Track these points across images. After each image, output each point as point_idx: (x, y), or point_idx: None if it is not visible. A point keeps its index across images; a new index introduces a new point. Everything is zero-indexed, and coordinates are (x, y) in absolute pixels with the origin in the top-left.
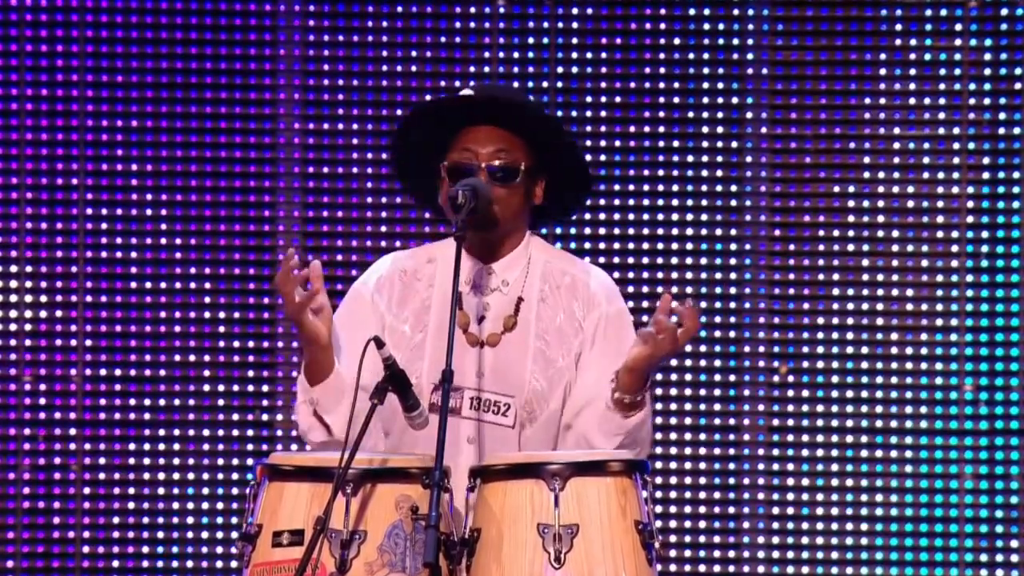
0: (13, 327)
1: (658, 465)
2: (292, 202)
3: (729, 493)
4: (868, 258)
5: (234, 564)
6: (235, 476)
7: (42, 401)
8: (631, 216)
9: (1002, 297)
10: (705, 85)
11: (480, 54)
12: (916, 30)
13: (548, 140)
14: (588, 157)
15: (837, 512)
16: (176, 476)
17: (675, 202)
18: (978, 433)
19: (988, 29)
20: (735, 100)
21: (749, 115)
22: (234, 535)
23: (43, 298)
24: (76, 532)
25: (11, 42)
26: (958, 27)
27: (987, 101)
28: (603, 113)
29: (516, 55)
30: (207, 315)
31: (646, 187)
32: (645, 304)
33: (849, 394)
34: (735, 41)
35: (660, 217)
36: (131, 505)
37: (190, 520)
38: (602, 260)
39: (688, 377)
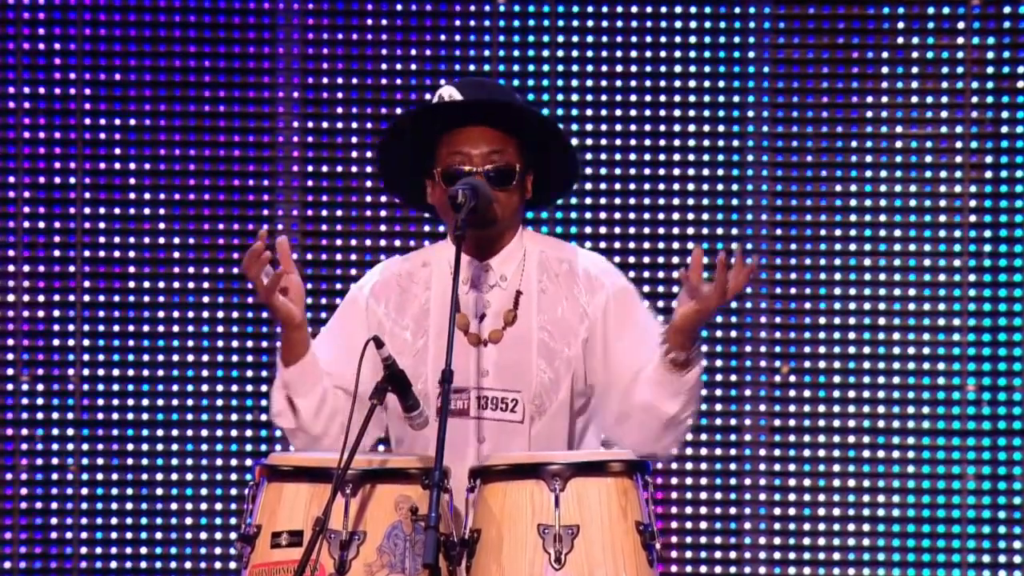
0: (11, 326)
1: (659, 465)
2: (291, 201)
3: (730, 494)
4: (870, 257)
5: (233, 565)
6: (234, 476)
7: (40, 401)
8: (632, 215)
9: (1004, 296)
10: (706, 84)
11: (480, 53)
12: (918, 28)
13: (537, 135)
14: (587, 156)
15: (839, 512)
16: (174, 476)
17: (676, 201)
18: (980, 433)
19: (990, 27)
20: (736, 99)
21: (751, 114)
22: (232, 536)
23: (40, 297)
24: (74, 533)
25: (8, 40)
26: (960, 25)
27: (989, 100)
28: (603, 112)
29: (516, 54)
30: (205, 315)
31: (647, 186)
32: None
33: (851, 394)
34: (736, 40)
35: (661, 216)
36: (129, 506)
37: (188, 521)
38: None
39: None
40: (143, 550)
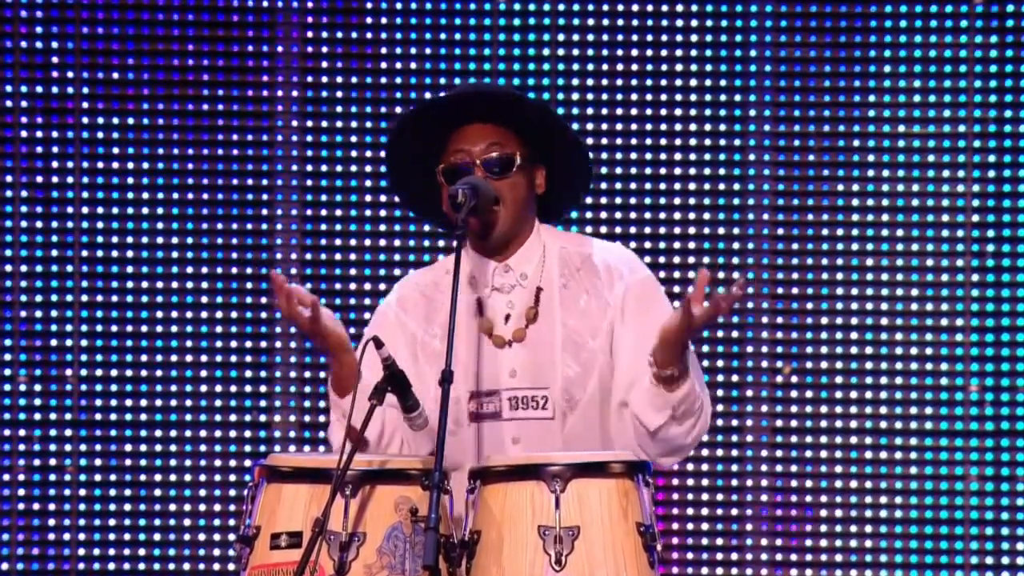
0: (8, 326)
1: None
2: (291, 201)
3: (732, 495)
4: (872, 257)
5: (232, 566)
6: (233, 477)
7: (37, 401)
8: (633, 215)
9: (1008, 296)
10: (708, 83)
11: (480, 53)
12: (921, 27)
13: (540, 128)
14: (589, 155)
15: (841, 513)
16: (173, 477)
17: (677, 200)
18: (983, 434)
19: (993, 27)
20: (738, 98)
21: (752, 113)
22: (231, 537)
23: (38, 297)
24: (71, 534)
25: (6, 39)
26: (963, 24)
27: (992, 99)
28: (604, 111)
29: (516, 54)
30: (204, 315)
31: (648, 186)
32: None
33: (853, 394)
34: (738, 38)
35: (663, 216)
36: (127, 507)
37: (187, 522)
38: None
39: None
40: (141, 551)
